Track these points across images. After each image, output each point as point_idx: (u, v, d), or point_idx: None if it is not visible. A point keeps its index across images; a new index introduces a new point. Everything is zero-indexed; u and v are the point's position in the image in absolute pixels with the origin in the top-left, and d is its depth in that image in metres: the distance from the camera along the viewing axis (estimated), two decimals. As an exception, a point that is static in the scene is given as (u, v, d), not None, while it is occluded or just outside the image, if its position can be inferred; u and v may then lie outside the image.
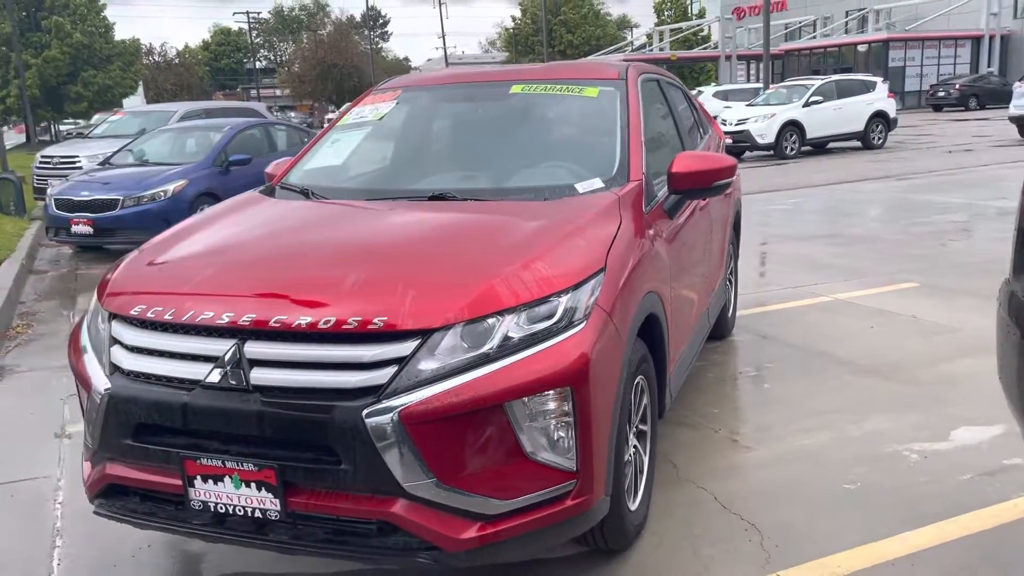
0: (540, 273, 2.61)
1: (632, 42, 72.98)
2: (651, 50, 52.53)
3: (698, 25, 61.95)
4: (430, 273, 2.63)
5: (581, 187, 3.36)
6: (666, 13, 72.30)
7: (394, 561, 2.48)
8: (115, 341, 2.72)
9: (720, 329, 5.40)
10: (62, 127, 46.57)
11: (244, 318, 2.51)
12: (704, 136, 5.23)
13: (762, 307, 6.34)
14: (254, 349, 2.48)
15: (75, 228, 9.84)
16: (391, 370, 2.38)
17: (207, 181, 10.37)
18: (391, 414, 2.33)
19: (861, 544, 3.06)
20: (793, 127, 19.00)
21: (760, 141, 18.51)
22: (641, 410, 3.17)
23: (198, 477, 2.53)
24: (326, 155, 4.05)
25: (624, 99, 3.81)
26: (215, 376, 2.48)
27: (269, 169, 4.30)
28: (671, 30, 55.97)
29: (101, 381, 2.65)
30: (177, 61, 75.22)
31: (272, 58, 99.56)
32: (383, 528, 2.47)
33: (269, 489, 2.45)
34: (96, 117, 32.78)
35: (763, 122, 18.55)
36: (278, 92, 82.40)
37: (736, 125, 18.86)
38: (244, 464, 2.46)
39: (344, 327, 2.42)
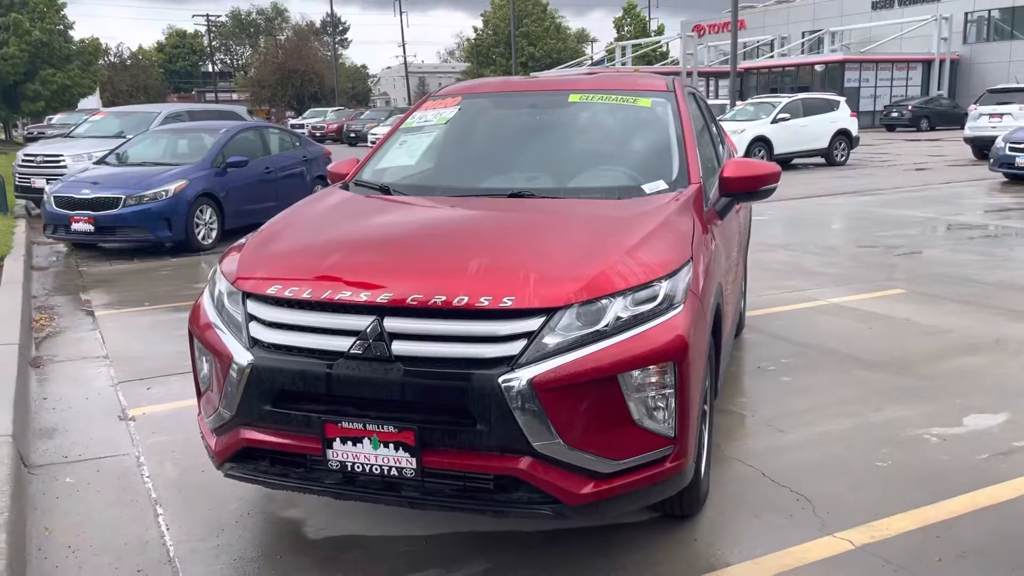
0: (642, 261, 2.94)
1: (592, 56, 74.00)
2: (614, 64, 53.36)
3: (657, 42, 63.14)
4: (545, 260, 2.94)
5: (647, 188, 3.70)
6: (625, 29, 73.56)
7: (517, 513, 2.78)
8: (252, 318, 2.97)
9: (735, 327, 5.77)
10: (15, 130, 45.74)
11: (381, 296, 2.79)
12: (724, 145, 5.62)
13: (765, 309, 6.75)
14: (393, 324, 2.76)
15: (75, 226, 9.90)
16: (521, 343, 2.68)
17: (206, 182, 10.52)
18: (524, 381, 2.63)
19: (904, 511, 3.43)
20: (761, 143, 19.67)
21: (730, 156, 19.09)
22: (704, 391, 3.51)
23: (337, 439, 2.80)
24: (396, 156, 4.33)
25: (676, 109, 4.17)
26: (358, 348, 2.75)
27: (334, 168, 4.56)
28: (633, 46, 56.91)
29: (242, 354, 2.90)
30: (130, 62, 74.30)
31: (228, 62, 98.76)
32: (501, 484, 2.76)
33: (407, 449, 2.73)
34: (58, 118, 32.26)
35: (734, 137, 19.14)
36: (235, 96, 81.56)
37: (707, 140, 19.42)
38: (384, 426, 2.73)
39: (477, 305, 2.72)
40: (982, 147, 20.97)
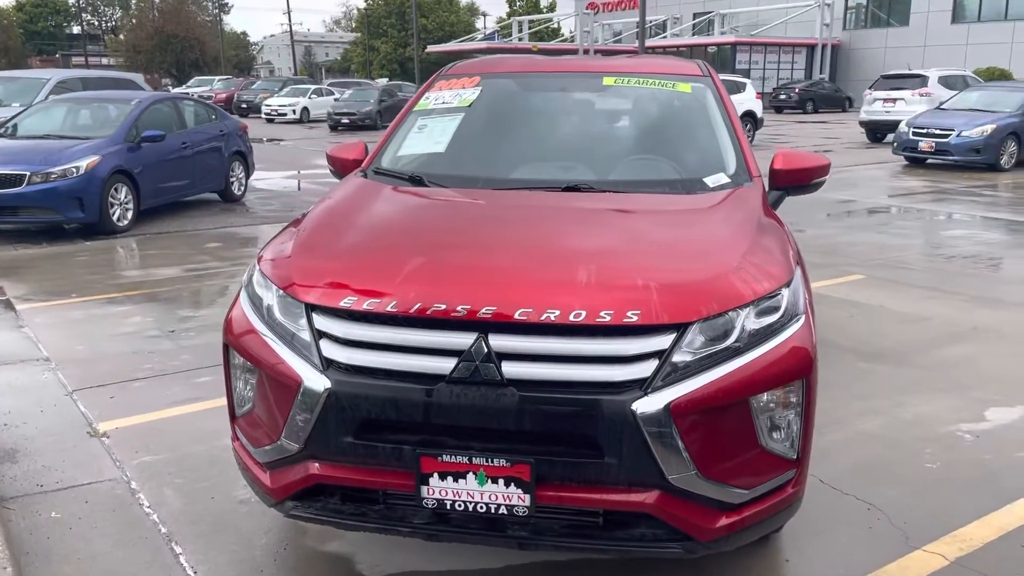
0: (761, 268, 2.69)
1: (484, 30, 73.48)
2: (509, 40, 53.04)
3: (549, 19, 63.20)
4: (657, 266, 2.64)
5: (709, 181, 3.45)
6: (518, 4, 73.28)
7: (641, 551, 2.50)
8: (322, 335, 2.55)
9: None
10: None
11: (483, 311, 2.44)
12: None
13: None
14: (500, 342, 2.41)
15: (-29, 205, 8.89)
16: (652, 363, 2.39)
17: (119, 157, 9.63)
18: (661, 407, 2.34)
19: (977, 518, 3.35)
20: (674, 123, 19.81)
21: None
22: None
23: (434, 475, 2.44)
24: (416, 141, 3.89)
25: (717, 96, 3.94)
26: (463, 371, 2.39)
27: (338, 153, 4.11)
28: (529, 22, 56.73)
29: (315, 378, 2.48)
30: (-15, 21, 68.88)
31: (97, 24, 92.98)
32: (616, 519, 2.47)
33: (520, 485, 2.40)
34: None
35: (648, 117, 19.25)
36: (105, 60, 76.75)
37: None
38: (494, 460, 2.39)
39: (597, 321, 2.40)
40: (876, 130, 21.92)
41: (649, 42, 47.22)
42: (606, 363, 2.40)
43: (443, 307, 2.46)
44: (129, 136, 9.91)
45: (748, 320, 2.52)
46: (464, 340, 2.43)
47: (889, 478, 3.68)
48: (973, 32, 40.40)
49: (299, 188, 13.88)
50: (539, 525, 2.48)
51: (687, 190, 3.38)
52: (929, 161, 16.49)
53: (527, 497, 2.41)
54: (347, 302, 2.54)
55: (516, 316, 2.42)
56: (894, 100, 21.73)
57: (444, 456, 2.42)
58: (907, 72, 23.55)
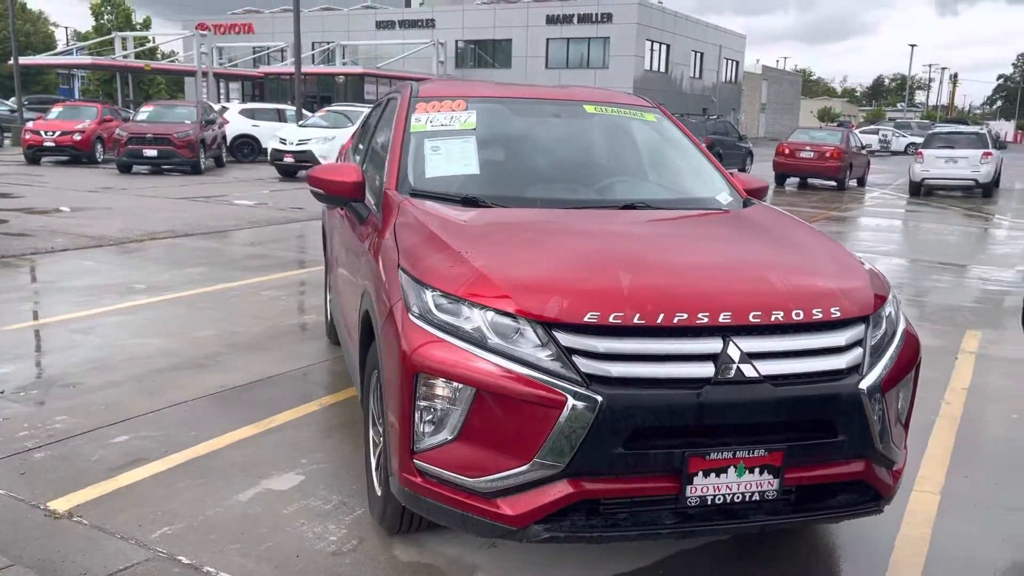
0: (873, 269, 3.23)
1: (68, 42, 66.47)
2: (114, 56, 48.57)
3: (145, 36, 59.02)
4: (819, 269, 3.05)
5: (720, 199, 3.94)
6: (106, 17, 67.17)
7: (848, 514, 2.90)
8: (572, 351, 2.56)
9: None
10: None
11: (722, 317, 2.66)
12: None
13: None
14: (746, 344, 2.65)
15: None
16: (859, 351, 2.80)
17: None
18: (876, 386, 2.77)
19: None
20: (353, 150, 19.99)
21: (323, 161, 19.09)
22: None
23: (699, 473, 2.59)
24: (440, 163, 3.77)
25: (674, 124, 4.43)
26: (727, 372, 2.59)
27: (328, 175, 3.89)
28: (135, 39, 52.46)
29: (583, 394, 2.50)
30: None
31: None
32: (821, 491, 2.82)
33: (771, 471, 2.65)
34: None
35: (325, 144, 19.22)
36: None
37: (298, 145, 19.38)
38: (754, 451, 2.62)
39: (813, 317, 2.76)
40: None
41: (275, 68, 46.63)
42: (828, 354, 2.76)
43: (685, 316, 2.63)
44: None
45: (890, 310, 3.05)
46: (714, 345, 2.64)
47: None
48: (564, 76, 46.24)
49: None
50: (772, 507, 2.74)
51: (712, 207, 3.84)
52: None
53: (776, 481, 2.67)
54: (592, 317, 2.59)
55: (751, 319, 2.68)
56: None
57: (711, 454, 2.59)
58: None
